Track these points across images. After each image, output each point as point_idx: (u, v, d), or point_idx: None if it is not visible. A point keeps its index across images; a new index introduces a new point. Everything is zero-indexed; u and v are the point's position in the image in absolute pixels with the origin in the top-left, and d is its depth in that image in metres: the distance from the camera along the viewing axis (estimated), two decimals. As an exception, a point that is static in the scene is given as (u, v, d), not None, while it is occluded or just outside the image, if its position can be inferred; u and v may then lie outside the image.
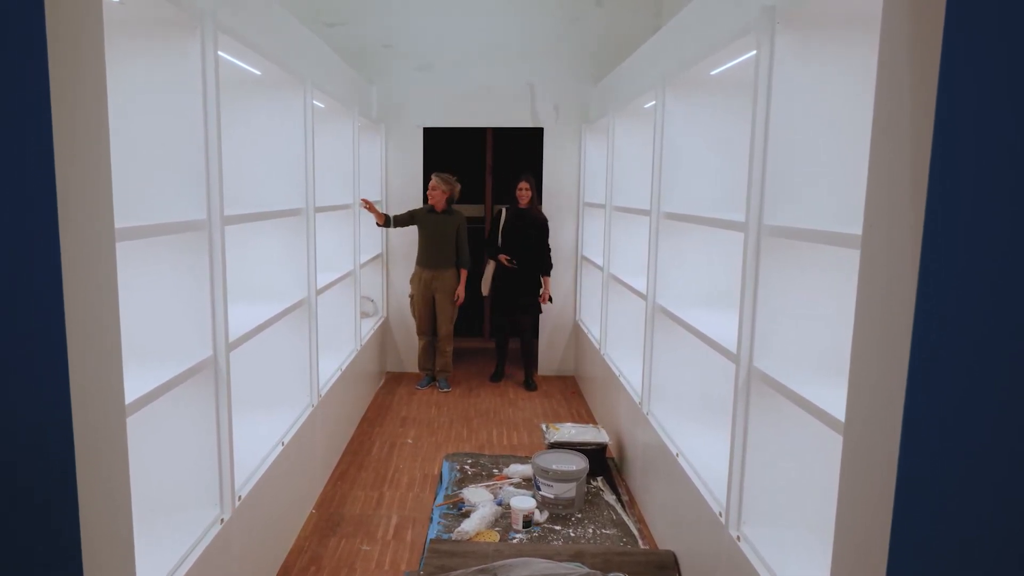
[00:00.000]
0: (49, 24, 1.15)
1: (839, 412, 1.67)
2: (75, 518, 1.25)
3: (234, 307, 2.81)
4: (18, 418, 1.17)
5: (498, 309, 5.63)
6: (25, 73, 1.13)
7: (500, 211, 5.59)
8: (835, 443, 1.63)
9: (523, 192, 5.47)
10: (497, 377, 5.83)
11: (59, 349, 1.21)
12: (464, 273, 5.45)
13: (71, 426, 1.23)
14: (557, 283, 5.91)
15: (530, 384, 5.66)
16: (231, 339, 2.47)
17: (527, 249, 5.48)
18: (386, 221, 5.37)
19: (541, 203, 5.75)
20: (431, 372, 5.65)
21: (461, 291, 5.44)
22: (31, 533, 1.20)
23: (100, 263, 1.37)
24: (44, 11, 1.13)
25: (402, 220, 5.40)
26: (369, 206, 5.22)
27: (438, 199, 5.33)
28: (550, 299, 5.70)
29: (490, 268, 5.60)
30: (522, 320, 5.59)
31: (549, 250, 5.59)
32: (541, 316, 5.86)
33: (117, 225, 1.50)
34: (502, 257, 5.48)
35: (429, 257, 5.39)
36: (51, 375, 1.20)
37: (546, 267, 5.57)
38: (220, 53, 2.45)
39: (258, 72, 3.11)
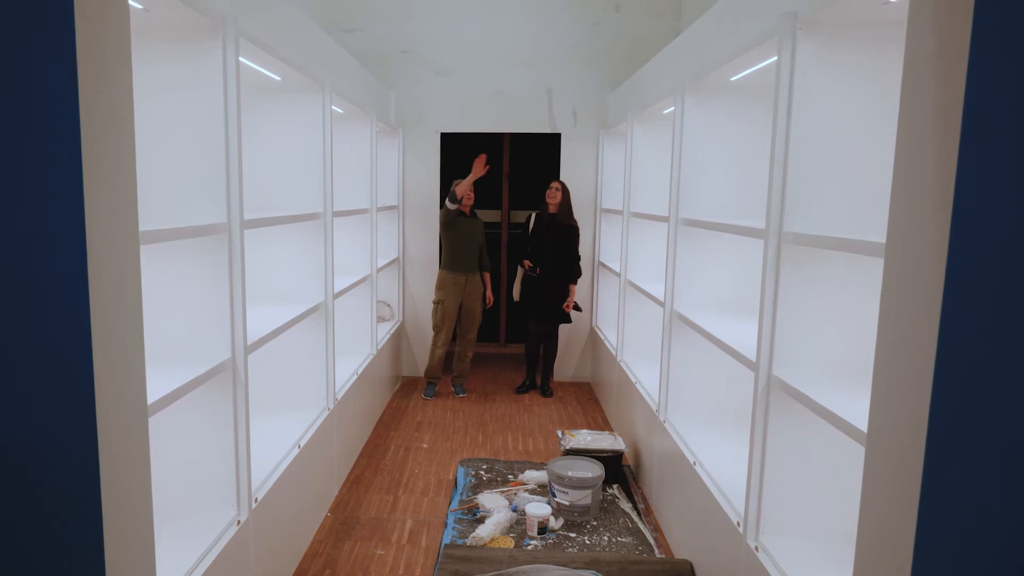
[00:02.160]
0: (79, 34, 1.16)
1: (860, 422, 1.64)
2: (98, 515, 1.26)
3: (252, 310, 2.82)
4: (44, 417, 1.19)
5: (528, 315, 5.56)
6: (55, 80, 1.15)
7: (530, 216, 5.54)
8: (855, 453, 1.61)
9: (553, 192, 5.35)
10: (524, 389, 5.70)
11: (85, 349, 1.22)
12: (488, 276, 5.51)
13: (95, 425, 1.24)
14: (576, 289, 5.86)
15: (546, 390, 5.64)
16: (249, 342, 2.49)
17: (556, 254, 5.36)
18: (453, 197, 5.12)
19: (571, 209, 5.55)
20: (437, 382, 5.59)
21: (490, 294, 5.52)
22: (55, 529, 1.21)
23: (125, 265, 1.38)
24: (74, 21, 1.15)
25: (450, 214, 5.18)
26: (479, 166, 4.97)
27: (469, 201, 5.29)
28: (577, 307, 5.59)
29: (520, 273, 5.57)
30: (549, 327, 5.54)
31: (578, 258, 5.46)
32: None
33: (140, 228, 1.51)
34: (526, 263, 5.44)
35: (465, 262, 5.32)
36: (76, 374, 1.21)
37: (573, 275, 5.45)
38: (241, 59, 2.47)
39: (278, 77, 3.13)
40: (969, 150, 1.05)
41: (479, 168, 4.97)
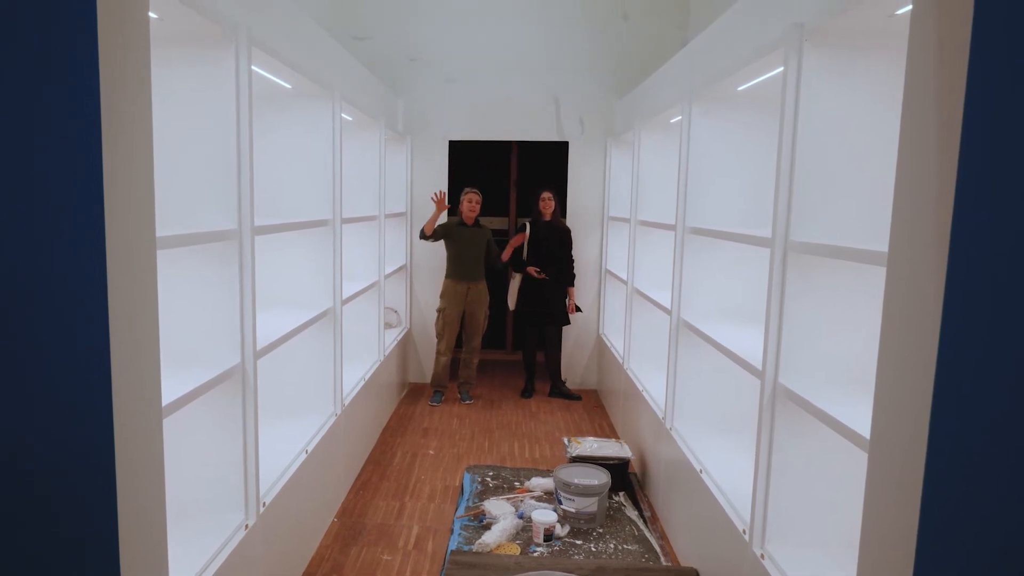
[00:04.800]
0: (101, 44, 1.19)
1: (865, 430, 1.65)
2: (114, 516, 1.28)
3: (262, 315, 2.85)
4: (61, 418, 1.21)
5: (528, 322, 5.63)
6: (77, 89, 1.17)
7: (524, 225, 5.61)
8: (861, 461, 1.61)
9: (547, 202, 5.51)
10: (529, 393, 5.78)
11: (103, 352, 1.24)
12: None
13: (112, 427, 1.26)
14: (581, 296, 5.94)
15: (566, 393, 5.69)
16: (259, 347, 2.51)
17: (556, 260, 5.53)
18: (431, 234, 5.32)
19: (564, 215, 5.86)
20: (444, 390, 5.62)
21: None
22: (71, 530, 1.23)
23: (142, 270, 1.41)
24: (97, 32, 1.18)
25: (437, 234, 5.38)
26: (440, 202, 5.27)
27: (472, 213, 5.40)
28: (578, 308, 5.76)
29: (515, 282, 5.62)
30: (550, 331, 5.62)
31: (573, 260, 5.65)
32: (564, 328, 5.85)
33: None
34: (531, 269, 5.50)
35: (467, 270, 5.41)
36: (94, 377, 1.23)
37: (571, 277, 5.64)
38: (253, 67, 2.50)
39: (289, 85, 3.17)
40: (969, 160, 1.06)
41: (439, 206, 5.32)
